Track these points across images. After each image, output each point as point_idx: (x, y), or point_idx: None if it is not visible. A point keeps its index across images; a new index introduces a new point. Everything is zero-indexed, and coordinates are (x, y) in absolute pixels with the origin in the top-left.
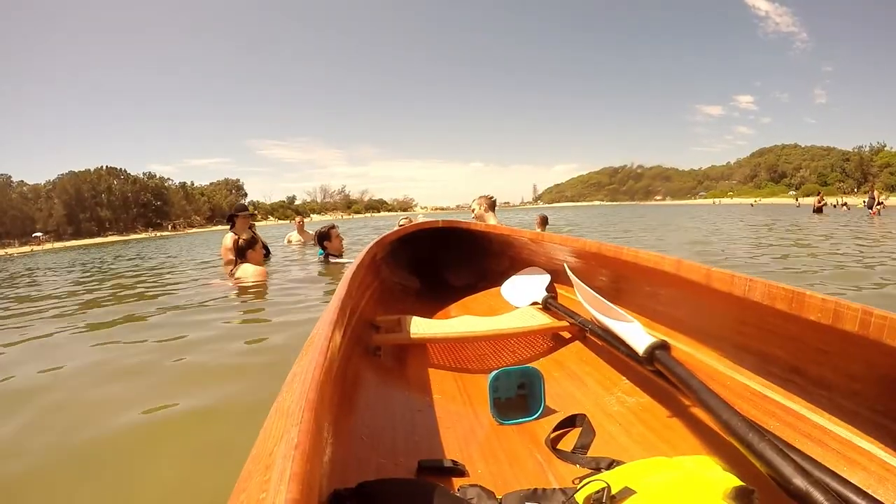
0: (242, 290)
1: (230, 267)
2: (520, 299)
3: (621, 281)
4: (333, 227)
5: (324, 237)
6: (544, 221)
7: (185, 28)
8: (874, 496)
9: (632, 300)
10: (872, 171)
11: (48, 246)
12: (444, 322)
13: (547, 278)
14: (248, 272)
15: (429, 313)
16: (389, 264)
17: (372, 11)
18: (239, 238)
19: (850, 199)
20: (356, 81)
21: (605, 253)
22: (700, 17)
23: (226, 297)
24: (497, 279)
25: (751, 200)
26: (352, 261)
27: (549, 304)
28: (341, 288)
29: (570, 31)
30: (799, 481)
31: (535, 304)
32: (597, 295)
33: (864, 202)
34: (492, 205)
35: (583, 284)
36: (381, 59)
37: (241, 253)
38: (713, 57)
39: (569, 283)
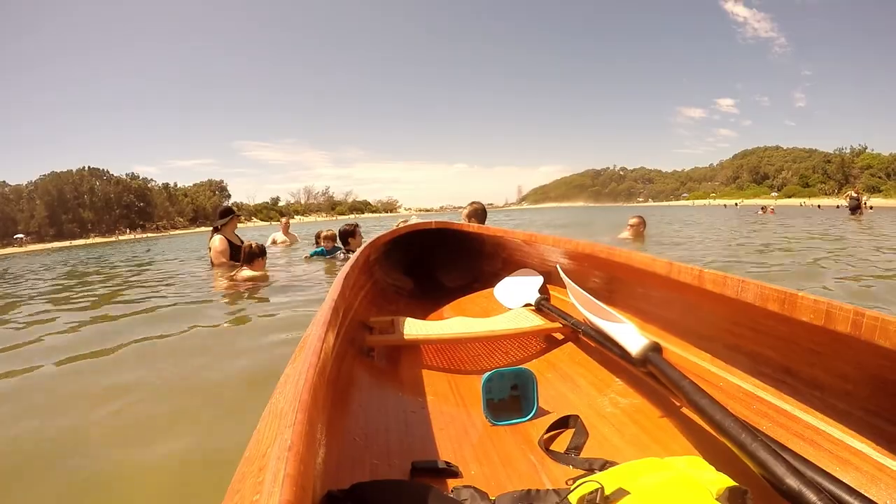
0: (244, 291)
1: (223, 269)
2: (513, 301)
3: (614, 282)
4: (357, 225)
5: (348, 234)
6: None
7: (171, 29)
8: (866, 496)
9: (624, 302)
10: (854, 173)
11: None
12: (437, 323)
13: (540, 280)
14: (250, 274)
15: (422, 314)
16: (383, 265)
17: (358, 14)
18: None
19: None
20: (343, 84)
21: (598, 254)
22: (681, 23)
23: (228, 298)
24: (490, 280)
25: (723, 202)
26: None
27: (542, 306)
28: (334, 289)
29: (555, 35)
30: (791, 481)
31: (528, 305)
32: (589, 296)
33: (847, 203)
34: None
35: (575, 286)
36: (368, 62)
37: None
38: (694, 61)
39: (562, 285)
